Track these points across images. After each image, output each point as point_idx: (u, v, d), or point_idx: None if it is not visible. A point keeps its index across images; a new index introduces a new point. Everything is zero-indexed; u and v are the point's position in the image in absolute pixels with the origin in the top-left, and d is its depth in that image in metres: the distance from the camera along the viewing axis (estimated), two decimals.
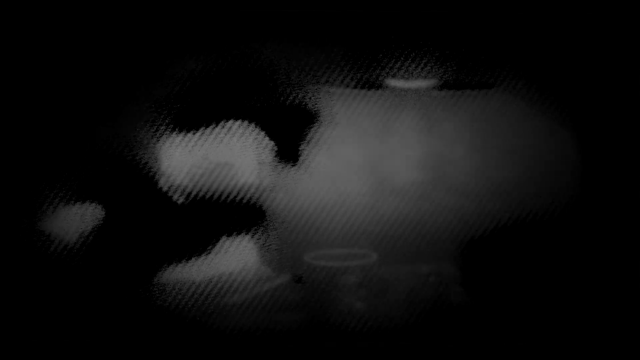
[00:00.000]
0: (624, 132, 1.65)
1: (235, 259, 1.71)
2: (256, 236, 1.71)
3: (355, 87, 1.74)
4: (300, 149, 1.68)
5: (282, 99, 1.70)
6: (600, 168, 1.68)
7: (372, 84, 1.81)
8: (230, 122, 1.68)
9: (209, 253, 1.70)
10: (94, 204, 1.65)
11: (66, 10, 1.61)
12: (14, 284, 1.61)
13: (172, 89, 1.69)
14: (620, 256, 1.63)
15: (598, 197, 1.68)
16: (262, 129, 1.68)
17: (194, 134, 1.67)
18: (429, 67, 1.73)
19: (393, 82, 1.80)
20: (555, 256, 1.68)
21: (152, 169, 1.68)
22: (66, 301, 1.61)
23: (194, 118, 1.67)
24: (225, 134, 1.68)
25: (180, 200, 1.67)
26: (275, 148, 1.67)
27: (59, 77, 1.66)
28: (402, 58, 1.73)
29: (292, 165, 1.67)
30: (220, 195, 1.68)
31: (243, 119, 1.68)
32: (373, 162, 1.70)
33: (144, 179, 1.67)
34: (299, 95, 1.71)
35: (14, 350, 1.54)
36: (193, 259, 1.68)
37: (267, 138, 1.67)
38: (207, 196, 1.67)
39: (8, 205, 1.64)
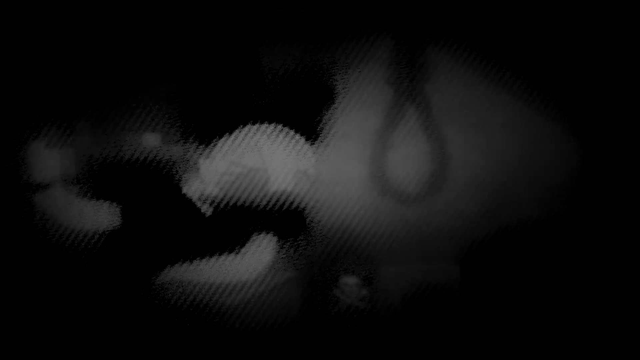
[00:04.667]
0: (624, 132, 1.65)
1: (255, 260, 1.71)
2: (274, 238, 1.71)
3: (354, 85, 1.74)
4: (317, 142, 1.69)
5: (303, 98, 1.71)
6: (600, 168, 1.68)
7: (372, 82, 1.81)
8: (261, 126, 1.69)
9: (232, 254, 1.70)
10: (124, 207, 1.66)
11: (87, 16, 1.62)
12: (20, 283, 1.62)
13: (201, 92, 1.69)
14: (620, 256, 1.63)
15: (598, 197, 1.68)
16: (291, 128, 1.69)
17: (225, 138, 1.68)
18: (430, 67, 1.73)
19: (393, 81, 1.80)
20: (556, 256, 1.68)
21: (183, 174, 1.69)
22: (85, 300, 1.62)
23: (225, 122, 1.68)
24: (257, 139, 1.68)
25: (208, 205, 1.68)
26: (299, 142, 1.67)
27: (82, 81, 1.67)
28: (405, 57, 1.73)
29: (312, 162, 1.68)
30: (247, 200, 1.68)
31: (271, 122, 1.69)
32: (375, 161, 1.71)
33: (174, 182, 1.68)
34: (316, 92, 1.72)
35: (14, 350, 1.55)
36: (214, 260, 1.68)
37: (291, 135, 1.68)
38: (235, 201, 1.67)
39: (23, 206, 1.65)
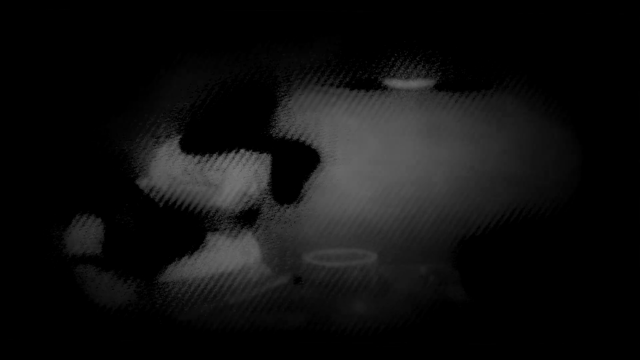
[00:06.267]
0: (624, 132, 1.65)
1: (237, 260, 1.71)
2: (258, 237, 1.71)
3: (353, 87, 1.74)
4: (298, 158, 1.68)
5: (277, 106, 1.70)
6: (600, 168, 1.68)
7: (371, 85, 1.81)
8: (222, 133, 1.68)
9: (209, 253, 1.69)
10: (88, 215, 1.66)
11: (67, 14, 1.61)
12: (15, 286, 1.62)
13: (166, 102, 1.69)
14: (620, 256, 1.63)
15: (598, 197, 1.68)
16: (257, 135, 1.69)
17: (187, 146, 1.68)
18: (429, 67, 1.73)
19: (392, 83, 1.80)
20: (555, 256, 1.68)
21: (145, 181, 1.69)
22: (64, 302, 1.62)
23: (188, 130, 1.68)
24: (220, 149, 1.68)
25: (155, 195, 1.67)
26: (274, 157, 1.67)
27: (55, 88, 1.66)
28: (401, 58, 1.73)
29: (289, 175, 1.67)
30: (219, 199, 1.68)
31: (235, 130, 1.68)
32: (372, 162, 1.70)
33: (136, 188, 1.68)
34: (295, 100, 1.72)
35: (13, 350, 1.54)
36: (192, 259, 1.68)
37: (264, 145, 1.68)
38: (200, 199, 1.67)
39: (7, 212, 1.64)
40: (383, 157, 1.71)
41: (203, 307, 1.61)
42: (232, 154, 1.67)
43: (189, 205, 1.66)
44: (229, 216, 1.67)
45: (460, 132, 1.71)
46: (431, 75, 1.73)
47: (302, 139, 1.68)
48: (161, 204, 1.66)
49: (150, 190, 1.67)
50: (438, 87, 1.79)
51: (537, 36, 1.67)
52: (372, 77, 1.74)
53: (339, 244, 1.69)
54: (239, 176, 1.67)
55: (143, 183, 1.68)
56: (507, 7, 1.65)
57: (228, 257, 1.69)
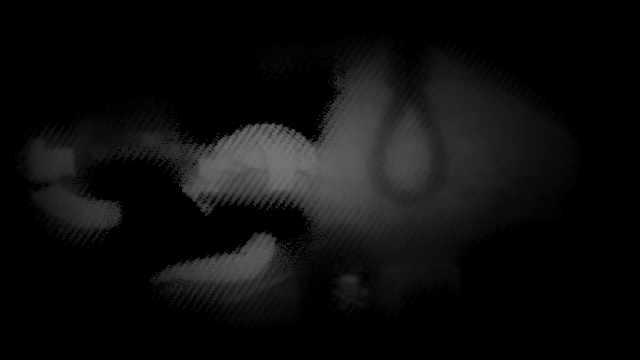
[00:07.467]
0: (624, 132, 1.65)
1: (256, 259, 1.70)
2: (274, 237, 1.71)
3: (362, 85, 1.74)
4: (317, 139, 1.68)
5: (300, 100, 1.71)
6: (601, 168, 1.68)
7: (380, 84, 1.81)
8: (261, 125, 1.69)
9: (232, 254, 1.69)
10: (123, 206, 1.66)
11: (83, 15, 1.62)
12: (22, 282, 1.62)
13: (201, 91, 1.69)
14: (620, 256, 1.63)
15: (598, 197, 1.68)
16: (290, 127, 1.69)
17: (226, 137, 1.68)
18: (429, 67, 1.73)
19: (395, 81, 1.80)
20: (555, 256, 1.68)
21: (183, 174, 1.69)
22: (84, 300, 1.62)
23: (224, 121, 1.68)
24: (257, 139, 1.68)
25: (208, 204, 1.68)
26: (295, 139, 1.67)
27: (82, 80, 1.67)
28: (406, 57, 1.73)
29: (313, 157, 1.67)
30: (247, 200, 1.68)
31: (271, 121, 1.69)
32: (373, 161, 1.71)
33: (174, 182, 1.68)
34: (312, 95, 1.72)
35: (14, 350, 1.55)
36: (213, 259, 1.68)
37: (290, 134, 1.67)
38: (234, 200, 1.67)
39: (23, 204, 1.64)
40: (384, 156, 1.71)
41: (206, 306, 1.61)
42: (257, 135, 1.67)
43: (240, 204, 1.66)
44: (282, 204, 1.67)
45: (459, 131, 1.71)
46: (433, 75, 1.74)
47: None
48: (211, 207, 1.67)
49: (200, 195, 1.68)
50: (439, 87, 1.79)
51: (538, 36, 1.67)
52: (373, 75, 1.74)
53: (340, 243, 1.69)
54: (277, 152, 1.67)
55: (193, 187, 1.69)
56: (507, 7, 1.65)
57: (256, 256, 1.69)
